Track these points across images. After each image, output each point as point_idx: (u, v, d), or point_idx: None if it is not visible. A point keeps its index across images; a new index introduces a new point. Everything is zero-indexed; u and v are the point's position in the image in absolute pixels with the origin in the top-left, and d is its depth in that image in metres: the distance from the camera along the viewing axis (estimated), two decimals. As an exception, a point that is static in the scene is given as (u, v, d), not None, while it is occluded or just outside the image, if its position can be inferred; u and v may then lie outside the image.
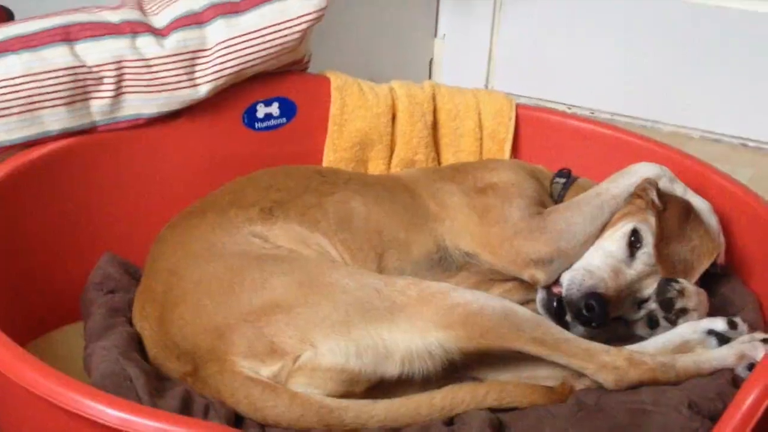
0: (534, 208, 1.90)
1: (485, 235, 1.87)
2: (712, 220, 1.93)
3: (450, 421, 1.57)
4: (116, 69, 1.95)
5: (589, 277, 1.79)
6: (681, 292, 1.78)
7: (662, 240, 1.84)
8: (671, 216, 1.87)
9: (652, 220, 1.86)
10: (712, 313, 1.80)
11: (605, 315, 1.74)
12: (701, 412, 1.54)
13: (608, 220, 1.88)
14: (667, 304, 1.78)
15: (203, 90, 2.05)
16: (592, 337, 1.70)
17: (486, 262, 1.87)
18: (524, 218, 1.86)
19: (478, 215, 1.89)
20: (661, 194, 1.89)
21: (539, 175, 2.06)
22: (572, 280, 1.80)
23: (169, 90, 2.01)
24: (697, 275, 1.85)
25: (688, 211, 1.90)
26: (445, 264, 1.87)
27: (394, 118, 2.29)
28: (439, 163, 2.33)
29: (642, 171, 1.94)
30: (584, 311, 1.74)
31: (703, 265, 1.86)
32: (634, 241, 1.83)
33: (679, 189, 1.94)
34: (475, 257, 1.87)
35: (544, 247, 1.83)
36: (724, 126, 3.34)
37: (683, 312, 1.78)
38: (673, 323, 1.77)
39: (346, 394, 1.55)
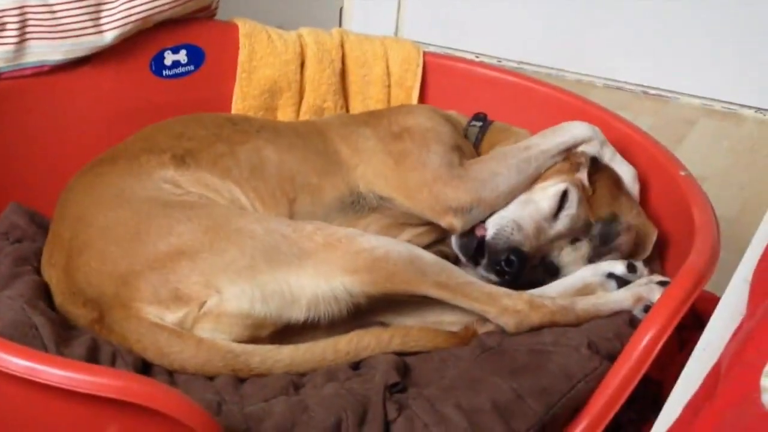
0: (452, 154, 1.89)
1: (402, 179, 1.87)
2: (635, 188, 1.95)
3: (356, 366, 1.59)
4: (19, 14, 1.91)
5: (518, 232, 1.79)
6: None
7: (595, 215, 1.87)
8: (603, 193, 1.89)
9: (582, 176, 1.89)
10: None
11: (521, 272, 1.76)
12: (600, 352, 1.58)
13: (535, 175, 1.88)
14: (518, 273, 1.77)
15: (109, 37, 2.03)
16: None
17: (402, 206, 1.87)
18: (443, 165, 1.85)
19: (394, 160, 1.89)
20: (591, 173, 1.89)
21: (453, 120, 2.07)
22: (500, 230, 1.80)
23: (74, 36, 1.99)
24: (648, 249, 1.87)
25: (617, 183, 1.92)
26: (357, 207, 1.87)
27: (302, 65, 2.29)
28: (348, 110, 2.34)
29: (575, 131, 1.92)
30: (504, 265, 1.76)
31: (651, 238, 1.87)
32: (562, 202, 1.84)
33: (608, 153, 1.93)
34: (390, 201, 1.87)
35: (464, 195, 1.82)
36: (626, 74, 3.40)
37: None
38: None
39: (252, 339, 1.57)
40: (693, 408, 1.11)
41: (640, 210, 1.91)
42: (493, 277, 1.79)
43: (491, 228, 1.82)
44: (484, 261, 1.80)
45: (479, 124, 2.07)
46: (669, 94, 3.41)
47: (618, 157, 1.94)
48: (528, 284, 1.77)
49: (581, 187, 1.87)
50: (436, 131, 1.94)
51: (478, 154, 2.00)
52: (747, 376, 0.96)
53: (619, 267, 1.79)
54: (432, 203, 1.84)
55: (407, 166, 1.87)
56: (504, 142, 2.00)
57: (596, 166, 1.91)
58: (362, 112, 2.27)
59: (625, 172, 1.93)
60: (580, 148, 1.90)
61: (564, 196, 1.84)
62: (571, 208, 1.84)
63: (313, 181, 1.86)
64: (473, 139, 2.04)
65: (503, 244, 1.78)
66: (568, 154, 1.92)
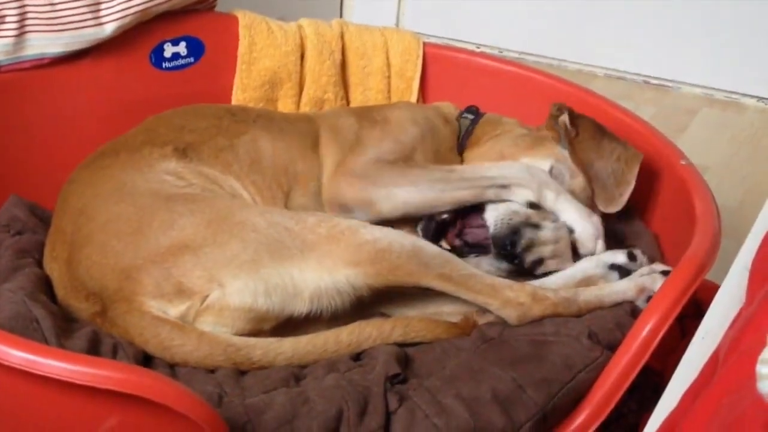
0: (395, 156, 1.87)
1: (339, 162, 1.86)
2: (588, 240, 1.86)
3: (357, 357, 1.59)
4: (18, 7, 1.92)
5: (516, 215, 1.79)
6: (528, 247, 1.77)
7: (585, 163, 1.87)
8: (585, 137, 1.90)
9: (565, 153, 1.90)
10: (611, 248, 1.83)
11: (529, 251, 1.76)
12: (601, 342, 1.58)
13: (454, 199, 1.81)
14: (519, 257, 1.77)
15: (109, 29, 2.03)
16: (507, 276, 1.74)
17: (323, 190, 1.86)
18: (370, 161, 1.84)
19: (351, 144, 1.89)
20: (572, 117, 1.91)
21: (445, 114, 2.07)
22: (499, 220, 1.80)
23: (73, 29, 1.99)
24: (632, 183, 1.88)
25: (599, 126, 1.93)
26: None
27: (302, 56, 2.29)
28: (348, 101, 2.34)
29: (509, 171, 1.85)
30: (510, 247, 1.76)
31: (634, 171, 1.88)
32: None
33: (550, 197, 1.83)
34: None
35: (355, 194, 1.80)
36: (627, 64, 3.39)
37: (539, 262, 1.78)
38: (531, 271, 1.78)
39: (255, 333, 1.57)
40: (692, 395, 1.11)
41: (623, 149, 1.91)
42: (505, 265, 1.78)
43: (491, 220, 1.82)
44: (492, 255, 1.80)
45: (470, 116, 2.07)
46: (670, 84, 3.40)
47: (563, 198, 1.84)
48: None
49: (566, 154, 1.89)
50: (403, 128, 1.94)
51: (466, 147, 2.01)
52: (744, 363, 0.96)
53: (620, 257, 1.79)
54: (330, 194, 1.83)
55: (355, 151, 1.88)
56: (492, 134, 2.01)
57: (576, 121, 1.91)
58: (357, 106, 2.27)
59: (575, 219, 1.82)
60: (515, 190, 1.82)
61: (550, 173, 1.86)
62: (563, 184, 1.86)
63: (299, 167, 1.86)
64: (463, 131, 2.04)
65: (506, 231, 1.78)
66: (547, 125, 1.94)
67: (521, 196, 1.82)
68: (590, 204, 1.88)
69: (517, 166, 1.87)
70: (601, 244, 1.82)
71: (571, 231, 1.81)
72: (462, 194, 1.82)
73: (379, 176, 1.81)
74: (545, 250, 1.77)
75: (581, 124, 1.92)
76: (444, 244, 1.83)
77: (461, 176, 1.84)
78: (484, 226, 1.83)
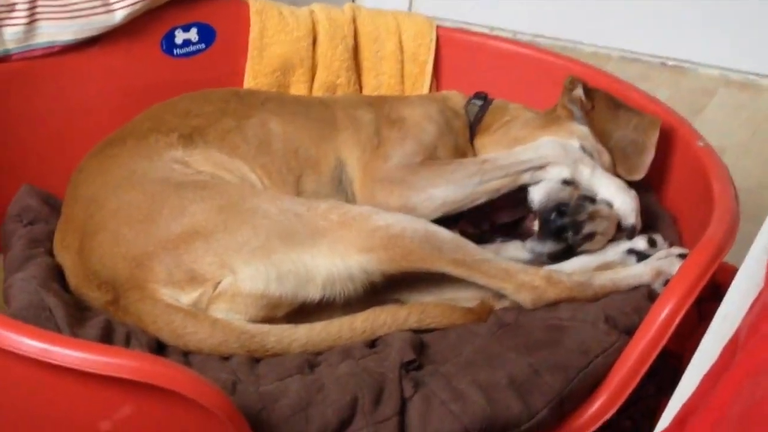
0: (419, 155, 1.85)
1: (366, 163, 1.86)
2: (629, 213, 1.85)
3: (372, 343, 1.59)
4: (28, -5, 1.91)
5: (562, 191, 1.78)
6: (592, 216, 1.76)
7: (604, 135, 1.86)
8: (601, 108, 1.90)
9: (585, 130, 1.89)
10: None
11: (580, 225, 1.75)
12: (618, 326, 1.57)
13: (493, 188, 1.80)
14: (576, 226, 1.76)
15: (119, 16, 2.02)
16: (556, 258, 1.74)
17: (354, 192, 1.85)
18: (399, 166, 1.82)
19: (376, 142, 1.88)
20: (587, 91, 1.91)
21: (453, 107, 2.05)
22: (545, 194, 1.79)
23: (83, 16, 1.98)
24: (652, 150, 1.87)
25: (613, 98, 1.93)
26: (343, 185, 1.87)
27: (314, 41, 2.28)
28: (361, 86, 2.33)
29: (543, 150, 1.84)
30: (557, 218, 1.75)
31: (653, 138, 1.88)
32: None
33: (586, 173, 1.82)
34: (352, 184, 1.86)
35: (394, 201, 1.78)
36: (643, 45, 3.37)
37: (591, 236, 1.76)
38: (578, 246, 1.76)
39: (268, 319, 1.56)
40: (711, 379, 1.10)
41: (639, 117, 1.91)
42: (549, 246, 1.77)
43: (537, 197, 1.80)
44: (540, 230, 1.79)
45: (479, 102, 2.05)
46: (687, 65, 3.37)
47: (599, 173, 1.83)
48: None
49: (586, 131, 1.89)
50: (421, 128, 1.92)
51: (477, 134, 2.01)
52: (764, 346, 0.95)
53: (640, 243, 1.78)
54: (367, 199, 1.82)
55: (378, 153, 1.86)
56: (501, 121, 2.00)
57: (591, 94, 1.91)
58: (370, 94, 2.26)
59: (613, 193, 1.81)
60: (550, 170, 1.81)
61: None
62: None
63: (312, 152, 1.85)
64: (472, 117, 2.02)
65: (552, 203, 1.77)
66: (561, 102, 1.94)
67: (557, 174, 1.81)
68: None
69: (550, 145, 1.85)
70: (639, 218, 1.80)
71: (609, 205, 1.79)
72: (498, 183, 1.81)
73: (415, 180, 1.80)
74: (600, 225, 1.76)
75: (596, 97, 1.92)
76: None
77: (495, 165, 1.82)
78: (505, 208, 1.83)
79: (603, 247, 1.78)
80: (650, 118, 1.92)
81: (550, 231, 1.76)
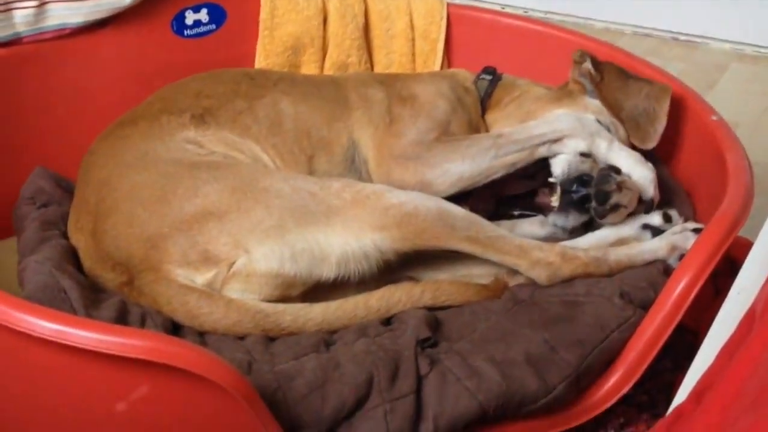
0: (432, 132, 1.84)
1: (380, 141, 1.85)
2: (648, 185, 1.82)
3: (387, 321, 1.59)
4: (38, -23, 1.91)
5: (582, 162, 1.77)
6: (619, 186, 1.73)
7: (615, 106, 1.86)
8: (611, 80, 1.89)
9: (597, 103, 1.89)
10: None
11: (605, 197, 1.73)
12: (633, 301, 1.57)
13: (507, 162, 1.79)
14: (603, 197, 1.73)
15: (129, -3, 2.02)
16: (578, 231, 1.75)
17: (370, 170, 1.85)
18: (413, 142, 1.82)
19: (389, 120, 1.87)
20: (595, 63, 1.91)
21: (463, 83, 2.04)
22: (566, 166, 1.78)
23: (94, -2, 1.98)
24: (664, 118, 1.87)
25: (622, 69, 1.93)
26: (356, 165, 1.86)
27: (325, 21, 2.27)
28: (372, 65, 2.32)
29: (558, 124, 1.82)
30: (579, 186, 1.74)
31: (665, 106, 1.87)
32: None
33: (603, 145, 1.80)
34: (366, 164, 1.86)
35: (410, 178, 1.78)
36: (655, 20, 3.36)
37: (616, 208, 1.73)
38: (601, 217, 1.74)
39: (282, 299, 1.56)
40: (727, 353, 1.10)
41: (650, 86, 1.90)
42: (572, 219, 1.76)
43: (559, 170, 1.79)
44: (558, 205, 1.78)
45: (489, 78, 2.05)
46: (699, 40, 3.36)
47: (616, 146, 1.81)
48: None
49: (597, 104, 1.89)
50: (434, 105, 1.91)
51: (488, 109, 2.00)
52: (783, 319, 0.95)
53: (655, 218, 1.77)
54: (384, 177, 1.81)
55: (392, 131, 1.85)
56: (512, 96, 2.00)
57: (599, 67, 1.91)
58: (382, 72, 2.25)
59: (631, 165, 1.79)
60: (566, 143, 1.80)
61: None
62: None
63: (324, 133, 1.85)
64: (482, 93, 2.02)
65: (573, 174, 1.76)
66: (572, 77, 1.94)
67: (574, 146, 1.79)
68: None
69: (566, 118, 1.84)
70: (657, 191, 1.79)
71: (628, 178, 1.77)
72: (514, 157, 1.80)
73: (430, 156, 1.79)
74: (625, 197, 1.74)
75: (605, 69, 1.92)
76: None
77: (510, 139, 1.81)
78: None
79: (622, 221, 1.76)
80: (660, 85, 1.91)
81: (572, 202, 1.75)
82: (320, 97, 1.90)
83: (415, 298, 1.61)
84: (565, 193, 1.76)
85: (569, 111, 1.89)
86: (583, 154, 1.78)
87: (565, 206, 1.76)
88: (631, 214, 1.77)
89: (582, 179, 1.74)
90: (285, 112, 1.84)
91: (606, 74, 1.90)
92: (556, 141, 1.80)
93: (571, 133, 1.80)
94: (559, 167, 1.79)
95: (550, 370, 1.46)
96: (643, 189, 1.77)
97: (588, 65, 1.90)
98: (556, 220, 1.78)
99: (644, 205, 1.77)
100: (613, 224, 1.76)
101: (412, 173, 1.79)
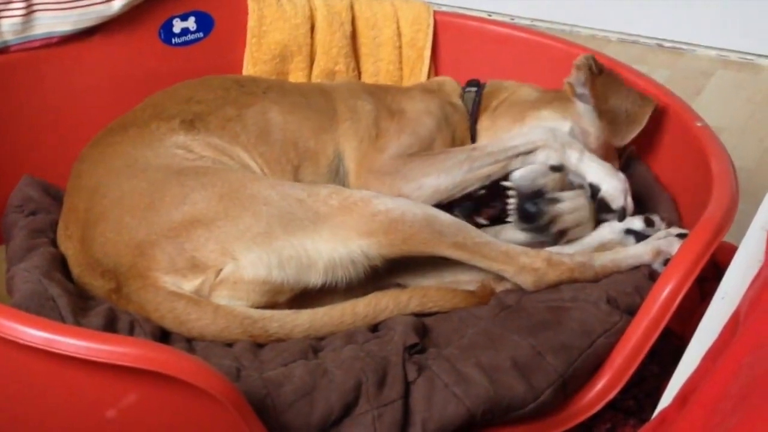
0: (416, 148, 1.86)
1: (363, 156, 1.86)
2: (616, 197, 1.84)
3: (375, 328, 1.59)
4: (25, -14, 1.91)
5: (544, 175, 1.79)
6: (553, 219, 1.75)
7: (601, 97, 1.88)
8: (607, 79, 1.93)
9: (581, 109, 1.93)
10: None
11: (552, 212, 1.75)
12: (620, 306, 1.58)
13: (482, 174, 1.81)
14: (544, 227, 1.76)
15: (117, 5, 2.02)
16: (530, 243, 1.74)
17: (350, 181, 1.86)
18: (393, 157, 1.83)
19: (371, 136, 1.88)
20: (598, 65, 1.94)
21: (449, 97, 2.05)
22: (523, 184, 1.79)
23: (81, 6, 1.99)
24: (642, 123, 1.89)
25: (620, 77, 1.97)
26: (339, 176, 1.87)
27: (313, 28, 2.27)
28: (359, 72, 2.33)
29: (531, 136, 1.84)
30: (529, 207, 1.75)
31: (646, 114, 1.90)
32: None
33: (574, 156, 1.82)
34: (347, 175, 1.87)
35: (386, 192, 1.77)
36: (641, 28, 3.37)
37: (562, 234, 1.76)
38: (554, 241, 1.77)
39: (270, 305, 1.57)
40: (712, 356, 1.10)
41: (640, 98, 1.93)
42: (527, 231, 1.77)
43: (517, 176, 1.80)
44: (516, 217, 1.78)
45: (474, 89, 2.06)
46: (685, 46, 3.37)
47: (587, 157, 1.83)
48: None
49: (581, 109, 1.93)
50: (419, 122, 1.92)
51: (477, 120, 2.01)
52: (765, 322, 0.95)
53: (636, 222, 1.78)
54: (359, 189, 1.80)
55: (376, 146, 1.87)
56: (500, 98, 2.02)
57: (600, 63, 1.95)
58: (372, 83, 2.26)
59: (601, 177, 1.81)
60: (538, 154, 1.82)
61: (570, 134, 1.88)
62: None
63: (311, 144, 1.85)
64: (470, 106, 2.03)
65: (528, 188, 1.77)
66: (569, 79, 1.96)
67: (545, 158, 1.81)
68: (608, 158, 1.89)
69: (538, 130, 1.86)
70: (630, 199, 1.80)
71: (597, 189, 1.80)
72: (489, 170, 1.81)
73: (406, 170, 1.81)
74: (567, 220, 1.76)
75: (605, 69, 1.95)
76: (480, 220, 1.84)
77: (484, 152, 1.82)
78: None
79: (587, 233, 1.78)
80: (649, 99, 1.94)
81: (523, 215, 1.77)
82: (309, 107, 1.90)
83: (402, 304, 1.62)
84: (519, 204, 1.78)
85: (556, 113, 1.92)
86: (555, 167, 1.79)
87: (519, 218, 1.78)
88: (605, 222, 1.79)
89: (538, 193, 1.76)
90: (273, 122, 1.84)
91: (605, 74, 1.94)
92: (529, 153, 1.81)
93: (543, 144, 1.81)
94: (516, 177, 1.80)
95: (538, 376, 1.46)
96: (612, 199, 1.79)
97: (591, 62, 1.93)
98: (515, 233, 1.80)
99: (616, 214, 1.79)
100: (572, 241, 1.77)
101: (388, 187, 1.79)
